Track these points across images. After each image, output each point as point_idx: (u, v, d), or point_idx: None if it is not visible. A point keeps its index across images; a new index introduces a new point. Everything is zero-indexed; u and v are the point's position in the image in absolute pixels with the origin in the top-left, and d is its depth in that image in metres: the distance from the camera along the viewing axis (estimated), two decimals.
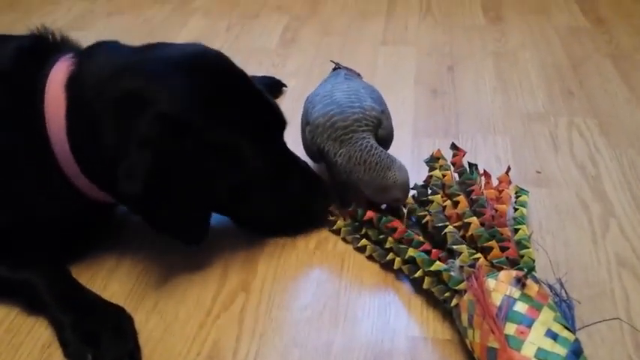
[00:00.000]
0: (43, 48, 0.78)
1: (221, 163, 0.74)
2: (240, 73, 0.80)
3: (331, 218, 0.87)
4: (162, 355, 0.70)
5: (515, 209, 0.82)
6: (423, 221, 0.81)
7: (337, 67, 1.02)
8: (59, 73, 0.73)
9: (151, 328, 0.73)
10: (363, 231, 0.83)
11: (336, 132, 0.81)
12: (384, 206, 0.84)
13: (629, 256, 0.82)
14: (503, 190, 0.84)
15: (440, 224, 0.76)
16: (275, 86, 1.20)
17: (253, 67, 1.32)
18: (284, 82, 1.23)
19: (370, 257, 0.82)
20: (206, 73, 0.75)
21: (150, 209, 0.73)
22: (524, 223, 0.78)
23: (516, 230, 0.77)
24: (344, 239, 0.85)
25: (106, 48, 0.78)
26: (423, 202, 0.84)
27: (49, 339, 0.71)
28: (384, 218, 0.81)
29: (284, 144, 0.84)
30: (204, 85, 0.74)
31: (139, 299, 0.77)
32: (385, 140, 0.85)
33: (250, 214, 0.82)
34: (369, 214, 0.81)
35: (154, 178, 0.69)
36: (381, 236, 0.81)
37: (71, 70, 0.73)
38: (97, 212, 0.83)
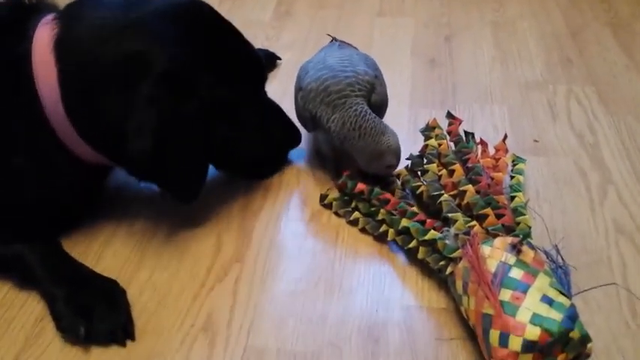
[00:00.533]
0: (20, 12, 0.75)
1: (219, 118, 0.76)
2: (229, 25, 0.81)
3: (323, 192, 0.86)
4: (155, 327, 0.69)
5: (512, 177, 0.81)
6: (418, 191, 0.80)
7: (333, 41, 1.00)
8: (44, 36, 0.71)
9: (144, 301, 0.72)
10: (354, 204, 0.82)
11: (329, 96, 0.80)
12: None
13: (627, 223, 0.81)
14: (500, 158, 0.82)
15: (435, 193, 0.75)
16: (269, 59, 1.18)
17: (248, 38, 1.30)
18: (278, 55, 1.21)
19: (364, 230, 0.81)
20: (202, 28, 0.77)
21: (156, 166, 0.73)
22: (520, 191, 0.77)
23: (513, 198, 0.76)
24: (336, 213, 0.84)
25: (89, 5, 0.75)
26: (418, 172, 0.83)
27: (41, 313, 0.71)
28: (375, 190, 0.80)
29: (265, 93, 0.88)
30: (203, 41, 0.76)
31: (132, 272, 0.76)
32: (379, 106, 0.84)
33: (233, 159, 0.85)
34: (360, 186, 0.80)
35: (162, 135, 0.70)
36: (372, 209, 0.80)
37: (57, 33, 0.71)
38: (91, 179, 0.81)
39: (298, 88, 0.86)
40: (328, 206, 0.85)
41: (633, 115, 1.03)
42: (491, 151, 0.86)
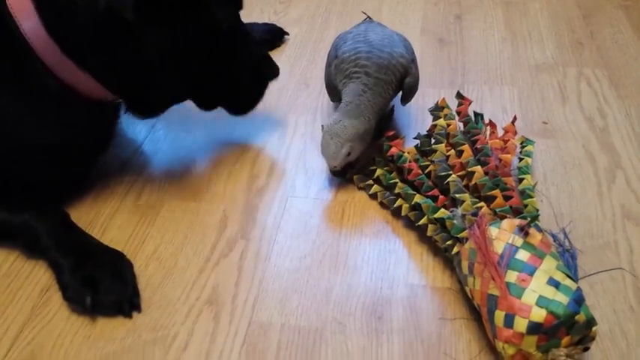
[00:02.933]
0: None
1: (202, 10, 0.73)
2: None
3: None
4: (161, 299, 0.69)
5: (520, 159, 0.80)
6: (426, 171, 0.80)
7: (367, 19, 1.00)
8: None
9: (150, 274, 0.72)
10: (376, 175, 0.82)
11: (348, 69, 0.81)
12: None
13: (634, 209, 0.81)
14: (508, 140, 0.82)
15: (443, 173, 0.74)
16: (276, 34, 1.17)
17: (255, 14, 1.29)
18: (286, 30, 1.20)
19: (382, 204, 0.82)
20: None
21: (134, 47, 0.69)
22: (528, 173, 0.76)
23: (520, 180, 0.75)
24: (359, 187, 0.84)
25: None
26: (426, 151, 0.82)
27: (47, 282, 0.71)
28: (403, 157, 0.80)
29: (242, 22, 0.84)
30: None
31: (137, 245, 0.76)
32: (411, 88, 0.86)
33: (210, 83, 0.81)
34: (393, 150, 0.81)
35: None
36: (392, 181, 0.80)
37: None
38: (93, 120, 0.78)
39: (334, 56, 0.86)
40: (350, 180, 0.86)
41: None
42: (500, 132, 0.86)
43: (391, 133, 0.85)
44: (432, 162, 0.78)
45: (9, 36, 0.68)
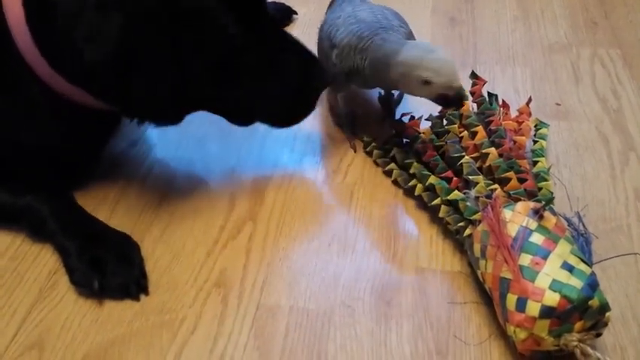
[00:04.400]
0: None
1: (197, 32, 0.65)
2: None
3: (366, 139, 0.86)
4: (169, 282, 0.69)
5: (535, 142, 0.79)
6: (440, 151, 0.78)
7: None
8: None
9: (157, 257, 0.72)
10: (392, 153, 0.81)
11: (361, 42, 0.76)
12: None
13: None
14: (523, 121, 0.80)
15: (456, 154, 0.73)
16: (285, 13, 1.15)
17: None
18: (294, 9, 1.18)
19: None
20: None
21: (121, 82, 0.64)
22: (543, 156, 0.75)
23: (535, 163, 0.74)
24: (375, 162, 0.84)
25: None
26: (439, 133, 0.81)
27: (54, 266, 0.71)
28: (418, 138, 0.79)
29: (269, 16, 0.73)
30: None
31: (145, 228, 0.75)
32: None
33: (238, 101, 0.73)
34: (409, 130, 0.80)
35: (123, 43, 0.62)
36: (407, 160, 0.79)
37: None
38: (88, 125, 0.76)
39: (331, 46, 0.80)
40: (369, 153, 0.85)
41: None
42: (514, 114, 0.84)
43: (407, 114, 0.84)
44: (446, 143, 0.77)
45: (7, 50, 0.67)
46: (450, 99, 0.71)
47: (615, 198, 0.79)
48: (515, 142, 0.74)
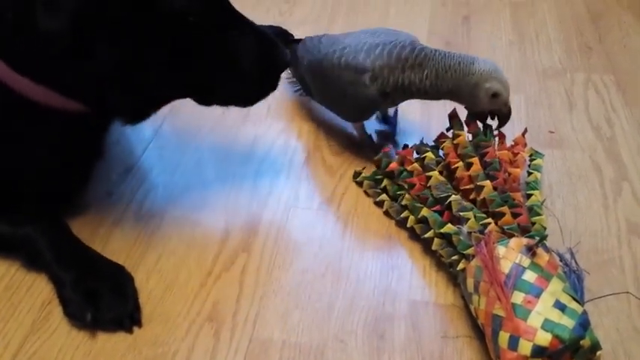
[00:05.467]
0: None
1: (153, 9, 0.64)
2: None
3: (357, 170, 0.86)
4: (162, 314, 0.69)
5: (530, 173, 0.79)
6: (428, 185, 0.78)
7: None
8: None
9: (151, 287, 0.72)
10: (383, 184, 0.82)
11: (410, 60, 0.80)
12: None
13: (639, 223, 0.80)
14: (518, 152, 0.80)
15: (443, 195, 0.73)
16: (282, 37, 1.16)
17: (260, 14, 1.27)
18: (291, 32, 1.18)
19: (387, 213, 0.81)
20: None
21: (79, 60, 0.62)
22: (537, 189, 0.75)
23: (529, 196, 0.74)
24: (365, 192, 0.84)
25: None
26: (429, 164, 0.81)
27: (48, 296, 0.71)
28: (404, 172, 0.79)
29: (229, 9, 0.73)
30: None
31: (139, 257, 0.76)
32: None
33: (201, 82, 0.72)
34: (392, 165, 0.81)
35: (80, 14, 0.60)
36: (399, 192, 0.79)
37: None
38: (69, 134, 0.73)
39: (360, 72, 0.81)
40: (359, 184, 0.85)
41: None
42: (509, 143, 0.84)
43: (387, 148, 0.84)
44: (430, 187, 0.77)
45: None
46: (503, 115, 0.80)
47: (607, 229, 0.79)
48: (509, 173, 0.75)
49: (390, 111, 0.96)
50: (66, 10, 0.59)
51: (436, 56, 0.79)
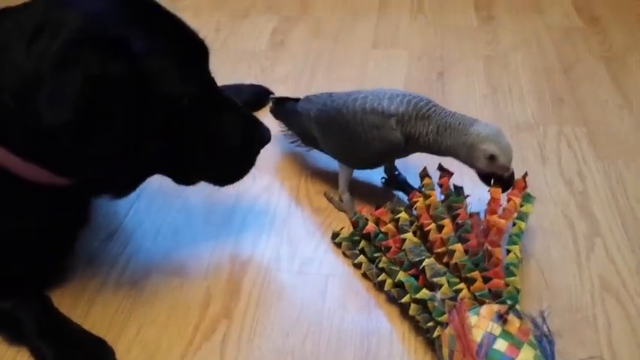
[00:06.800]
0: None
1: (151, 92, 0.66)
2: (156, 2, 0.72)
3: (335, 231, 0.88)
4: None
5: (514, 223, 0.80)
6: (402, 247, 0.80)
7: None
8: None
9: (132, 358, 0.73)
10: (361, 246, 0.83)
11: (421, 110, 0.83)
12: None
13: (613, 280, 0.82)
14: (510, 199, 0.82)
15: (417, 259, 0.75)
16: (263, 95, 1.19)
17: (242, 71, 1.31)
18: (272, 89, 1.21)
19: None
20: (126, 1, 0.69)
21: (80, 147, 0.64)
22: (516, 244, 0.76)
23: (508, 251, 0.75)
24: (344, 253, 0.86)
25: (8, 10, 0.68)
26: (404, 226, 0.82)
27: None
28: (380, 235, 0.81)
29: (211, 78, 0.76)
30: (128, 10, 0.68)
31: (120, 327, 0.76)
32: None
33: (183, 160, 0.75)
34: (369, 227, 0.82)
35: (83, 104, 0.61)
36: (376, 254, 0.81)
37: None
38: (55, 207, 0.75)
39: (388, 115, 0.84)
40: (338, 245, 0.87)
41: (623, 160, 1.03)
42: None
43: (363, 209, 0.86)
44: (404, 250, 0.78)
45: None
46: (504, 180, 0.82)
47: (581, 286, 0.81)
48: (494, 225, 0.76)
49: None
50: (68, 102, 0.61)
51: (441, 113, 0.83)
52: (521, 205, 0.83)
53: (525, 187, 0.85)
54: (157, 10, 0.71)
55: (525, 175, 0.86)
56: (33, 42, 0.63)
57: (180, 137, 0.71)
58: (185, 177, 0.79)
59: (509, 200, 0.82)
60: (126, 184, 0.74)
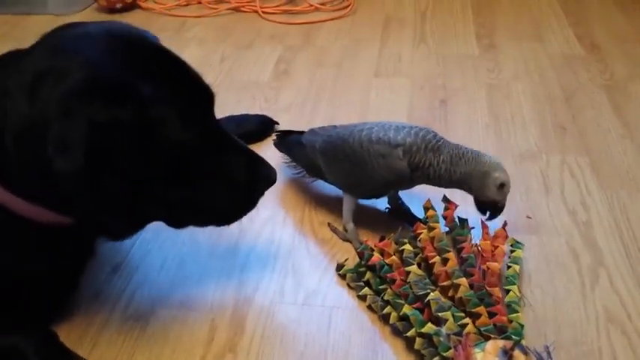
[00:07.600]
0: None
1: (157, 138, 0.67)
2: (161, 46, 0.74)
3: (340, 262, 0.88)
4: None
5: (509, 267, 0.81)
6: (407, 280, 0.80)
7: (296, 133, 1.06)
8: None
9: None
10: (366, 277, 0.84)
11: (430, 143, 0.86)
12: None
13: (617, 311, 0.82)
14: (497, 246, 0.83)
15: (422, 292, 0.75)
16: (268, 125, 1.20)
17: (247, 101, 1.32)
18: (276, 118, 1.23)
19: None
20: (130, 45, 0.70)
21: (88, 193, 0.64)
22: (515, 284, 0.77)
23: (507, 291, 0.76)
24: (348, 285, 0.86)
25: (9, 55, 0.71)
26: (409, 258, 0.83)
27: None
28: (385, 267, 0.81)
29: (217, 120, 0.76)
30: (132, 55, 0.69)
31: None
32: None
33: (187, 202, 0.75)
34: (374, 258, 0.82)
35: (95, 146, 0.62)
36: (381, 286, 0.81)
37: None
38: (59, 246, 0.76)
39: (395, 145, 0.86)
40: (342, 276, 0.87)
41: (626, 190, 1.04)
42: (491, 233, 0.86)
43: (368, 240, 0.87)
44: (409, 282, 0.79)
45: None
46: (499, 209, 0.86)
47: (586, 318, 0.81)
48: (488, 267, 0.77)
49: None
50: (78, 149, 0.62)
51: (450, 145, 0.86)
52: (513, 251, 0.86)
53: (507, 236, 0.87)
54: (161, 54, 0.73)
55: (505, 224, 0.88)
56: (37, 87, 0.64)
57: (185, 181, 0.72)
58: (186, 221, 0.78)
59: (496, 247, 0.83)
60: (127, 227, 0.75)
